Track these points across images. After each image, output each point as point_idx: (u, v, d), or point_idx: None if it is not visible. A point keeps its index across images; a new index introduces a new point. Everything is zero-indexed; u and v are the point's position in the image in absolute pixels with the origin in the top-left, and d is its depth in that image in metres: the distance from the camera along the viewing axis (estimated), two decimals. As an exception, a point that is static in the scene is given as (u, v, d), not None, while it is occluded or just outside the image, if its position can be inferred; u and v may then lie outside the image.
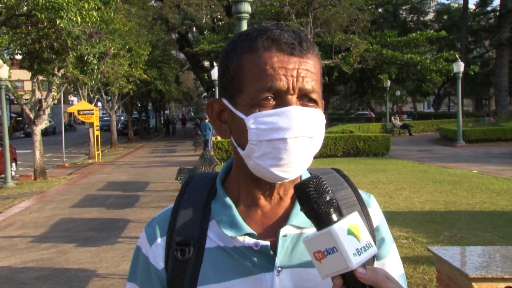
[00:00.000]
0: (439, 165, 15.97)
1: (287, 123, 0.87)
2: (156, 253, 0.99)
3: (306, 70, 0.90)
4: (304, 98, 0.90)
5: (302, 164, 0.91)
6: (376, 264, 0.99)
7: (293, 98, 0.89)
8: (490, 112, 41.99)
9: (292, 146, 0.87)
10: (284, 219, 0.96)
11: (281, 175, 0.90)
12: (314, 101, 0.91)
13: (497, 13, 42.30)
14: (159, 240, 0.99)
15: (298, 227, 0.95)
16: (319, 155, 18.86)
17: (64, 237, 8.17)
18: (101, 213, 10.04)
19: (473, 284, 3.13)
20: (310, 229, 0.94)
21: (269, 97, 0.88)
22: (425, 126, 36.46)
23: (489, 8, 46.68)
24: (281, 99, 0.89)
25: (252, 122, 0.89)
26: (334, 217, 0.83)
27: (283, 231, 0.94)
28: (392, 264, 1.01)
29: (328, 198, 0.83)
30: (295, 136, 0.87)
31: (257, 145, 0.89)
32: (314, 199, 0.83)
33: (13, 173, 16.23)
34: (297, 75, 0.88)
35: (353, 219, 0.82)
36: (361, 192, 1.04)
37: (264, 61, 0.89)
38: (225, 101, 0.95)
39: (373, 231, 1.00)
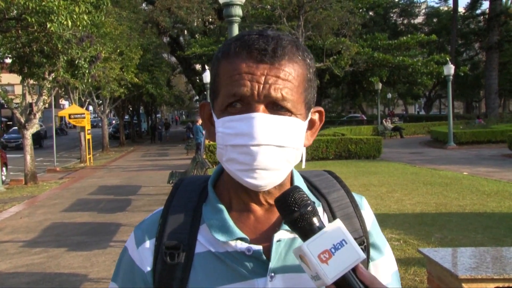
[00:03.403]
0: (430, 167, 16.05)
1: (249, 130, 0.86)
2: (143, 256, 0.98)
3: (276, 77, 0.87)
4: (275, 106, 0.88)
5: (271, 172, 0.89)
6: (371, 265, 1.00)
7: (260, 105, 0.87)
8: (481, 114, 42.29)
9: (255, 153, 0.86)
10: (277, 224, 0.95)
11: (250, 181, 0.89)
12: (287, 110, 0.89)
13: (486, 16, 42.68)
14: (147, 243, 0.98)
15: (292, 232, 0.93)
16: (311, 158, 18.90)
17: (55, 242, 8.12)
18: (93, 217, 9.99)
19: (463, 285, 3.15)
20: None
21: (235, 104, 0.88)
22: (416, 129, 36.68)
23: (478, 11, 47.12)
24: (247, 106, 0.88)
25: (220, 125, 0.90)
26: (318, 224, 0.84)
27: (277, 235, 0.93)
28: (386, 262, 1.02)
29: (309, 208, 0.84)
30: (256, 144, 0.86)
31: (223, 149, 0.90)
32: (297, 211, 0.84)
33: (4, 178, 16.10)
34: (264, 81, 0.87)
35: (339, 222, 0.84)
36: (353, 194, 1.04)
37: (233, 67, 0.88)
38: (210, 105, 0.97)
39: (366, 232, 1.00)
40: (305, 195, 0.85)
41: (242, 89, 0.87)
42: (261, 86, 0.87)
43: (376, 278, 0.82)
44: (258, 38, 0.90)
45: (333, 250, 0.80)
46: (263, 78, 0.87)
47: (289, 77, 0.89)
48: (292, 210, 0.84)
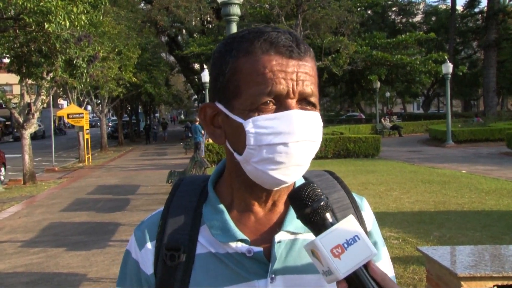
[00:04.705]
0: (428, 166, 16.07)
1: (289, 127, 0.85)
2: (146, 258, 0.97)
3: (305, 73, 0.88)
4: (303, 101, 0.89)
5: (301, 168, 0.90)
6: None
7: (293, 102, 0.87)
8: (479, 112, 42.31)
9: (293, 150, 0.86)
10: (278, 225, 0.95)
11: (281, 179, 0.88)
12: (313, 104, 0.90)
13: (484, 15, 42.73)
14: (148, 244, 0.97)
15: (292, 233, 0.94)
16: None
17: (54, 242, 8.11)
18: (91, 217, 9.98)
19: (462, 283, 3.15)
20: (305, 235, 0.93)
21: (269, 102, 0.86)
22: (414, 127, 36.69)
23: (476, 10, 47.15)
24: (281, 103, 0.87)
25: (251, 126, 0.86)
26: (331, 220, 0.83)
27: (278, 237, 0.92)
28: (383, 267, 1.01)
29: (323, 203, 0.83)
30: (296, 141, 0.86)
31: (256, 150, 0.87)
32: (310, 205, 0.83)
33: (2, 178, 16.09)
34: (296, 78, 0.87)
35: (352, 218, 0.84)
36: (353, 194, 1.04)
37: (262, 64, 0.86)
38: (220, 106, 0.92)
39: (367, 233, 0.99)
40: (318, 190, 0.85)
41: (278, 87, 0.86)
42: (295, 83, 0.87)
43: (387, 275, 0.81)
44: (278, 34, 0.89)
45: (346, 245, 0.79)
46: (295, 75, 0.87)
47: (312, 72, 0.90)
48: (305, 205, 0.83)
